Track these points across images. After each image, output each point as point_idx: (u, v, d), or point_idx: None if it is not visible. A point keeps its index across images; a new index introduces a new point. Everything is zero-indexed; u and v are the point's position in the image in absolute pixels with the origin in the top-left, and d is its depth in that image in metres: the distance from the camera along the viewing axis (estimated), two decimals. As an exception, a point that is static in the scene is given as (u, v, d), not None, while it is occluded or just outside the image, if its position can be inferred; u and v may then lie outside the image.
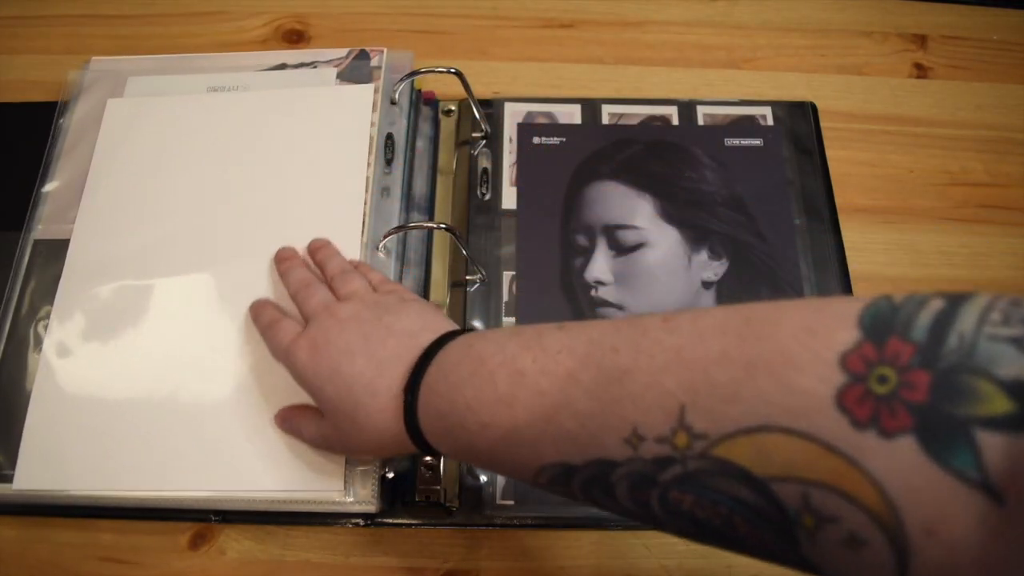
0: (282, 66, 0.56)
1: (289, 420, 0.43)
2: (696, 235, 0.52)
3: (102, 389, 0.46)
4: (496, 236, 0.53)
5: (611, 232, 0.52)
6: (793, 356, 0.25)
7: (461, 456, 0.37)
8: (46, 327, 0.48)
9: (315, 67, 0.55)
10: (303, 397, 0.44)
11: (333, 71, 0.55)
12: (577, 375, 0.30)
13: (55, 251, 0.50)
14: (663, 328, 0.29)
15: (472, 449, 0.33)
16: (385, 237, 0.49)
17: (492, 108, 0.57)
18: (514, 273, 0.51)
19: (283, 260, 0.47)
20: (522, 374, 0.31)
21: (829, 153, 0.56)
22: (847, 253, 0.52)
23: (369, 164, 0.50)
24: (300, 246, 0.48)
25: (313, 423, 0.41)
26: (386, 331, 0.38)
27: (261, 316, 0.44)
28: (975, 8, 0.62)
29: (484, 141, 0.56)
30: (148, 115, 0.54)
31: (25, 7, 0.63)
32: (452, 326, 0.39)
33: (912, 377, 0.22)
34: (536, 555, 0.45)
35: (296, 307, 0.43)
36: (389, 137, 0.52)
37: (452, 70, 0.52)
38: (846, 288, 0.51)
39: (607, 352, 0.30)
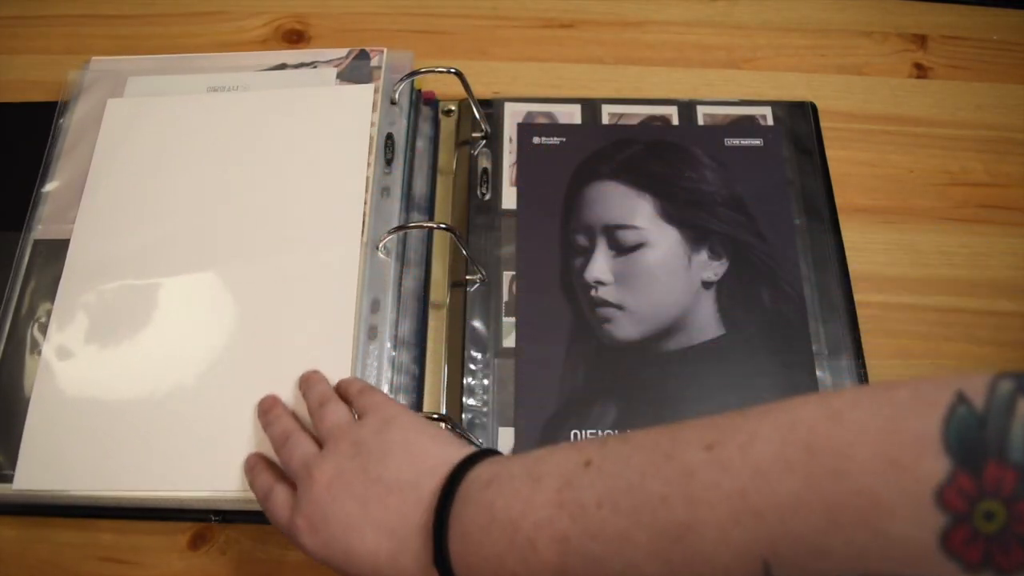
0: (282, 66, 0.56)
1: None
2: (696, 235, 0.52)
3: (102, 389, 0.46)
4: (496, 236, 0.53)
5: (611, 232, 0.52)
6: (880, 497, 0.22)
7: None
8: (46, 327, 0.48)
9: (315, 67, 0.55)
10: (303, 399, 0.44)
11: (333, 71, 0.55)
12: (632, 536, 0.27)
13: (55, 251, 0.50)
14: (711, 463, 0.26)
15: None
16: (385, 237, 0.49)
17: (492, 108, 0.57)
18: (514, 273, 0.51)
19: (265, 412, 0.43)
20: (566, 539, 0.29)
21: (829, 153, 0.56)
22: (847, 253, 0.52)
23: (369, 164, 0.50)
24: (299, 246, 0.48)
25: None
26: (380, 487, 0.35)
27: (255, 485, 0.41)
28: (975, 8, 0.62)
29: (484, 141, 0.56)
30: (148, 115, 0.54)
31: (25, 7, 0.63)
32: (447, 456, 0.36)
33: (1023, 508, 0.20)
34: (536, 555, 0.45)
35: (282, 463, 0.41)
36: (389, 137, 0.52)
37: (452, 70, 0.52)
38: (846, 288, 0.51)
39: (656, 505, 0.27)
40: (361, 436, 0.38)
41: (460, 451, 0.36)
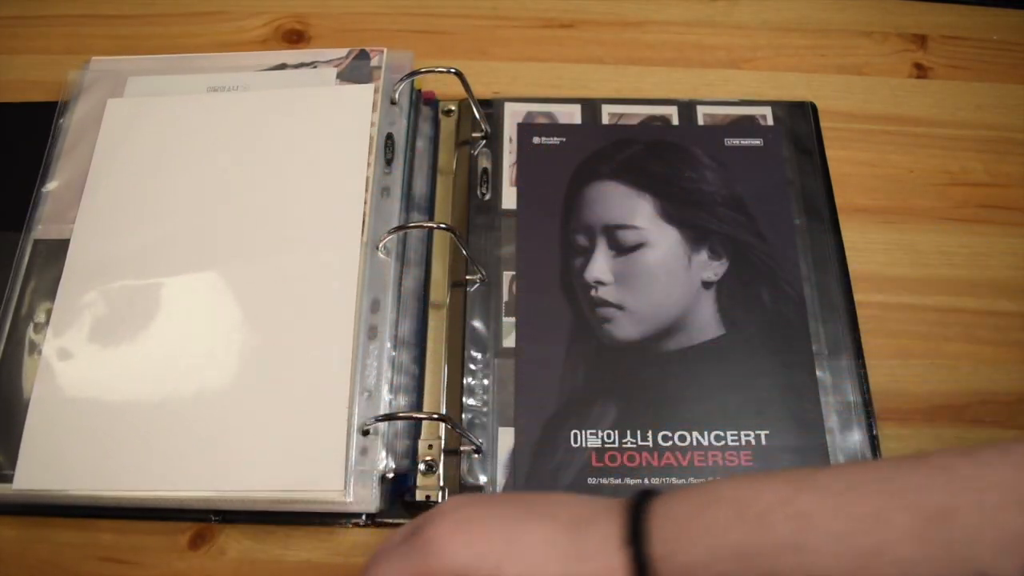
0: (282, 66, 0.56)
1: None
2: (696, 235, 0.52)
3: (102, 389, 0.46)
4: (496, 236, 0.53)
5: (611, 232, 0.52)
6: None
7: None
8: (46, 327, 0.48)
9: (315, 67, 0.55)
10: (303, 397, 0.44)
11: (333, 71, 0.55)
12: (887, 516, 0.27)
13: (55, 251, 0.50)
14: (969, 463, 0.27)
15: None
16: (385, 237, 0.49)
17: (492, 108, 0.57)
18: (514, 273, 0.51)
19: None
20: (807, 516, 0.28)
21: (829, 153, 0.56)
22: (847, 253, 0.52)
23: (369, 164, 0.50)
24: (299, 246, 0.48)
25: None
26: (545, 501, 0.33)
27: None
28: (975, 8, 0.62)
29: (484, 141, 0.56)
30: (148, 115, 0.54)
31: (25, 7, 0.63)
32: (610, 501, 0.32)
33: None
34: (536, 555, 0.45)
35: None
36: (389, 137, 0.52)
37: (452, 70, 0.52)
38: (846, 288, 0.51)
39: (911, 490, 0.27)
40: (476, 495, 0.36)
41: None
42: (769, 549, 0.28)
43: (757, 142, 0.55)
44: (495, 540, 0.31)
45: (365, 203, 0.49)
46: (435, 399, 0.48)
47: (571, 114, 0.57)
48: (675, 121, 0.56)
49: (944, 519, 0.26)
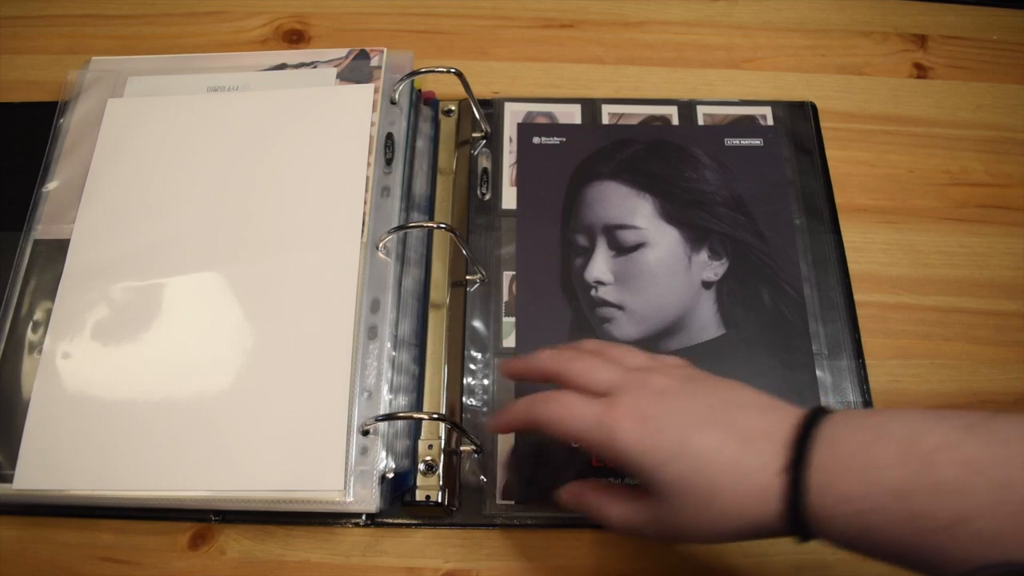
0: (282, 66, 0.56)
1: (582, 496, 0.38)
2: (696, 235, 0.52)
3: (102, 389, 0.46)
4: (496, 236, 0.53)
5: (611, 232, 0.52)
6: None
7: (857, 546, 0.31)
8: (46, 327, 0.48)
9: (315, 67, 0.55)
10: (303, 397, 0.44)
11: (333, 71, 0.55)
12: None
13: (55, 251, 0.50)
14: None
15: (886, 538, 0.29)
16: (385, 237, 0.49)
17: (492, 108, 0.57)
18: (514, 273, 0.51)
19: (512, 363, 0.40)
20: (972, 462, 0.28)
21: (829, 153, 0.56)
22: (847, 253, 0.52)
23: (369, 164, 0.50)
24: (299, 246, 0.48)
25: (628, 505, 0.35)
26: (729, 405, 0.33)
27: (521, 403, 0.37)
28: (975, 8, 0.62)
29: (484, 141, 0.56)
30: (148, 115, 0.54)
31: (25, 7, 0.63)
32: (798, 406, 0.33)
33: None
34: (536, 555, 0.45)
35: (575, 384, 0.36)
36: (389, 137, 0.52)
37: (452, 70, 0.52)
38: (846, 288, 0.51)
39: None
40: (693, 372, 0.36)
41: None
42: (929, 489, 0.28)
43: (757, 142, 0.55)
44: (670, 440, 0.32)
45: (365, 203, 0.49)
46: (435, 399, 0.48)
47: (571, 114, 0.57)
48: (675, 121, 0.56)
49: None
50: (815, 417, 0.32)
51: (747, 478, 0.31)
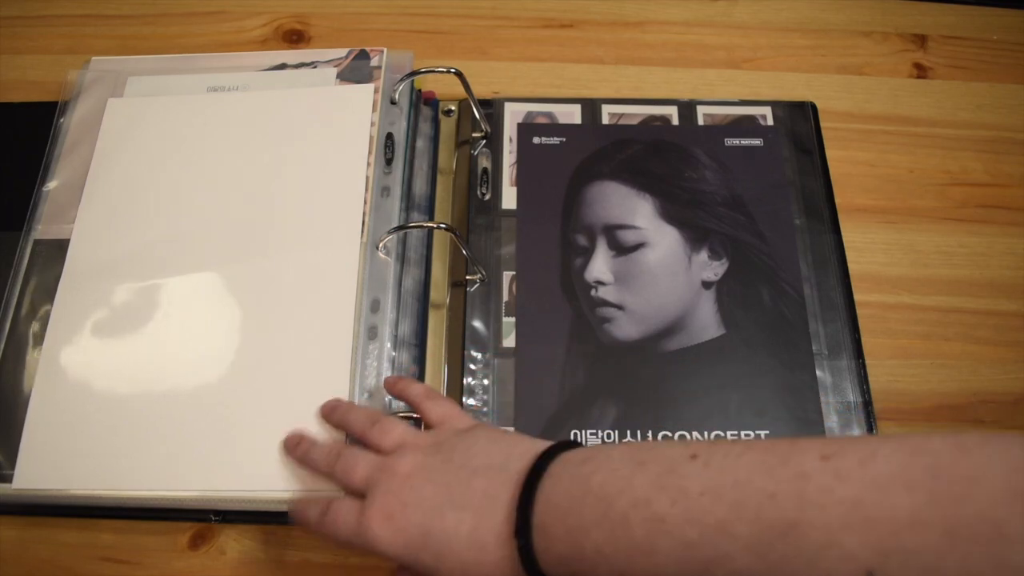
0: (282, 66, 0.56)
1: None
2: (696, 235, 0.52)
3: (102, 389, 0.46)
4: (496, 236, 0.53)
5: (611, 232, 0.52)
6: (1005, 526, 0.23)
7: None
8: (46, 327, 0.48)
9: (315, 67, 0.55)
10: (303, 397, 0.44)
11: (333, 71, 0.55)
12: (731, 527, 0.27)
13: (55, 251, 0.50)
14: (827, 471, 0.26)
15: None
16: (385, 237, 0.49)
17: (492, 108, 0.57)
18: (514, 273, 0.51)
19: (295, 446, 0.41)
20: (662, 520, 0.29)
21: (829, 153, 0.56)
22: (847, 253, 0.52)
23: (369, 164, 0.50)
24: (299, 246, 0.48)
25: None
26: (465, 472, 0.34)
27: (308, 511, 0.38)
28: (975, 8, 0.62)
29: (484, 141, 0.56)
30: (148, 115, 0.54)
31: (25, 7, 0.63)
32: (536, 444, 0.35)
33: None
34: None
35: (341, 485, 0.38)
36: (389, 137, 0.52)
37: (452, 70, 0.52)
38: (846, 288, 0.51)
39: (763, 500, 0.27)
40: (440, 438, 0.37)
41: (549, 442, 0.36)
42: (624, 551, 0.30)
43: (757, 142, 0.55)
44: (415, 534, 0.34)
45: (365, 203, 0.49)
46: (435, 399, 0.48)
47: (571, 114, 0.57)
48: (675, 121, 0.56)
49: (784, 535, 0.26)
50: (539, 470, 0.33)
51: (485, 551, 0.33)
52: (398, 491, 0.35)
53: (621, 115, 0.57)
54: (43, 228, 0.51)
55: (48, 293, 0.49)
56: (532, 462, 0.34)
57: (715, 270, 0.51)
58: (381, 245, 0.49)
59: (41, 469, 0.44)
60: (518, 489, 0.33)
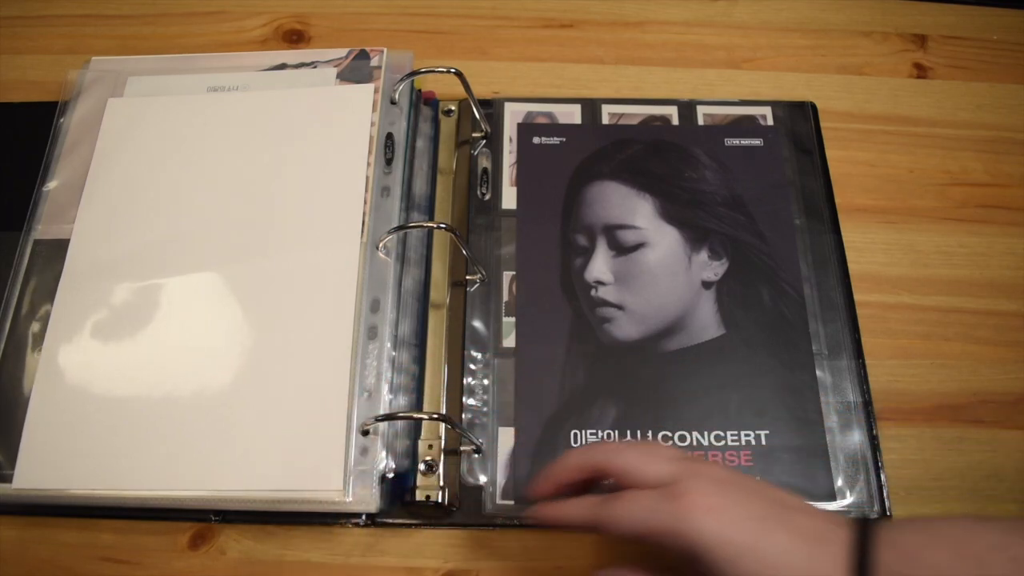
0: (282, 66, 0.56)
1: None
2: (696, 235, 0.52)
3: (102, 389, 0.46)
4: (496, 236, 0.53)
5: (611, 232, 0.52)
6: None
7: None
8: (46, 327, 0.48)
9: (315, 67, 0.55)
10: (303, 397, 0.44)
11: (333, 71, 0.55)
12: None
13: (55, 251, 0.50)
14: None
15: None
16: (385, 237, 0.49)
17: (492, 108, 0.57)
18: (514, 273, 0.51)
19: (573, 460, 0.40)
20: (1022, 560, 0.31)
21: (829, 153, 0.56)
22: (847, 253, 0.52)
23: (369, 164, 0.50)
24: (299, 246, 0.48)
25: None
26: (781, 502, 0.35)
27: (567, 507, 0.38)
28: (975, 8, 0.62)
29: (484, 141, 0.56)
30: (148, 115, 0.54)
31: (25, 7, 0.63)
32: (827, 510, 0.36)
33: None
34: (536, 555, 0.45)
35: (638, 473, 0.37)
36: (389, 137, 0.52)
37: (452, 70, 0.52)
38: (846, 288, 0.51)
39: None
40: (728, 471, 0.37)
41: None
42: None
43: (757, 142, 0.55)
44: (744, 533, 0.33)
45: (365, 203, 0.49)
46: (435, 399, 0.48)
47: (571, 114, 0.57)
48: (675, 121, 0.56)
49: None
50: (866, 522, 0.34)
51: None
52: (715, 490, 0.35)
53: (621, 115, 0.57)
54: (43, 228, 0.51)
55: (48, 293, 0.49)
56: (841, 515, 0.34)
57: (715, 270, 0.51)
58: (381, 245, 0.49)
59: (41, 469, 0.44)
60: (848, 529, 0.34)
